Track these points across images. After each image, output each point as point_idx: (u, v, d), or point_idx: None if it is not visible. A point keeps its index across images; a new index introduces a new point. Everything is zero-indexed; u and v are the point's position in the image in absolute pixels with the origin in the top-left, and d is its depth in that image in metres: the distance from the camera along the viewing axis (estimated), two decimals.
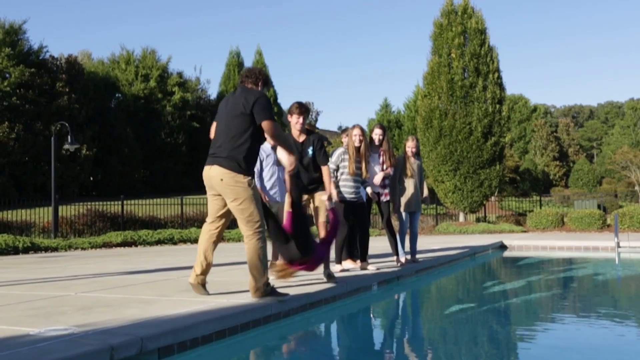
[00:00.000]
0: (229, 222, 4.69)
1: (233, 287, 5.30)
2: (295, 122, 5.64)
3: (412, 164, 7.59)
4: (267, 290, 4.39)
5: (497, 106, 20.15)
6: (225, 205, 4.45)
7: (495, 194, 25.76)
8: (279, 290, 4.63)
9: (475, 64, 20.14)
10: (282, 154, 5.29)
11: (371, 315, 5.30)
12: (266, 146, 7.03)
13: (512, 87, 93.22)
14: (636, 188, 33.98)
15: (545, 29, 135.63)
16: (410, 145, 7.59)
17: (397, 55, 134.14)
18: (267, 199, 6.97)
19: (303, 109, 5.60)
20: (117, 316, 3.87)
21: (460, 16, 20.71)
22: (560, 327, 4.36)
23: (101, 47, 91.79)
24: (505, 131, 20.46)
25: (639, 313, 5.01)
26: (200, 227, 16.18)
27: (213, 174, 4.32)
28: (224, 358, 3.67)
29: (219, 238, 4.65)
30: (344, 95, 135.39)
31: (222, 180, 4.28)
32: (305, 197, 5.65)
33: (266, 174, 7.08)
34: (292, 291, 4.99)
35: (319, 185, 5.69)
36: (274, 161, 7.10)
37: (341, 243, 6.55)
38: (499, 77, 20.53)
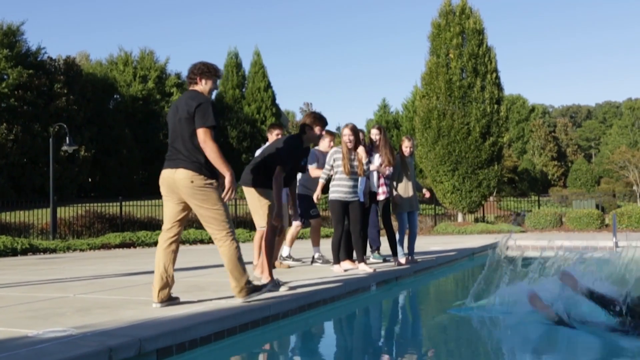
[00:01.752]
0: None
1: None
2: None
3: (408, 163, 7.61)
4: (250, 288, 4.34)
5: (495, 106, 20.17)
6: (184, 210, 4.34)
7: (494, 194, 25.77)
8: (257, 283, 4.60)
9: (474, 64, 20.16)
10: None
11: (370, 316, 5.30)
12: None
13: (510, 87, 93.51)
14: (634, 188, 34.01)
15: (543, 29, 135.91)
16: (407, 145, 7.60)
17: (395, 55, 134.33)
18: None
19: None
20: (115, 317, 3.87)
21: (458, 16, 20.73)
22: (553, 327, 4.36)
23: (99, 49, 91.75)
24: (504, 131, 20.48)
25: None
26: (199, 228, 16.18)
27: (179, 177, 4.20)
28: (223, 359, 3.68)
29: (177, 247, 4.43)
30: (342, 95, 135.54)
31: (192, 182, 4.19)
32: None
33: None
34: (291, 291, 4.99)
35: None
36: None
37: (337, 244, 6.53)
38: (497, 77, 20.55)
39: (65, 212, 16.14)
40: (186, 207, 4.35)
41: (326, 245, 7.97)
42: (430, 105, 20.45)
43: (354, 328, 4.72)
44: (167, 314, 3.96)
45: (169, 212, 4.37)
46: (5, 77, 26.02)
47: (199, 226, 16.73)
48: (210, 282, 5.65)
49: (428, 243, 12.57)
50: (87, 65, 36.01)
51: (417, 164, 21.66)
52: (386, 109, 43.22)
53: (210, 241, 14.59)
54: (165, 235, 4.37)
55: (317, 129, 5.54)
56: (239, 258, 4.28)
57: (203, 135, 4.18)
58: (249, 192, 5.59)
